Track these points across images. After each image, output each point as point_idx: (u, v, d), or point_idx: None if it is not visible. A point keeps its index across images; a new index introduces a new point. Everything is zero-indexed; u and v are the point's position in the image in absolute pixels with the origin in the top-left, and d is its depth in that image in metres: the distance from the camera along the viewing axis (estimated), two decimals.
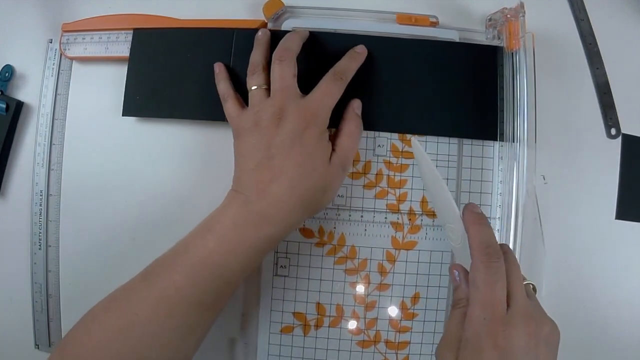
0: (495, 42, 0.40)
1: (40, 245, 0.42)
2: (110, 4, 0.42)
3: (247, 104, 0.36)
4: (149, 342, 0.32)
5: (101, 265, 0.41)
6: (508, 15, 0.38)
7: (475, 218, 0.33)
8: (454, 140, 0.40)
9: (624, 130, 0.41)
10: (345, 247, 0.40)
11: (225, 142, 0.38)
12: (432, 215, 0.39)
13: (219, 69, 0.39)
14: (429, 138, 0.40)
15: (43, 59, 0.43)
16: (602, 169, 0.41)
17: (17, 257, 0.42)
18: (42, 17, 0.44)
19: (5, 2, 0.44)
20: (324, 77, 0.36)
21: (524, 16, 0.37)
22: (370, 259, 0.39)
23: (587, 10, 0.41)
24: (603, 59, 0.41)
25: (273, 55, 0.35)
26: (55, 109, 0.43)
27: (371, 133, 0.40)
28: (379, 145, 0.40)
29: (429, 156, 0.39)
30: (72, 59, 0.42)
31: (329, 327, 0.39)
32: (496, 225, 0.39)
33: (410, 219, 0.39)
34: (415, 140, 0.36)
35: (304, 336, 0.39)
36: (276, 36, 0.37)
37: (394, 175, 0.40)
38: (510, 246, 0.37)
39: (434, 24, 0.40)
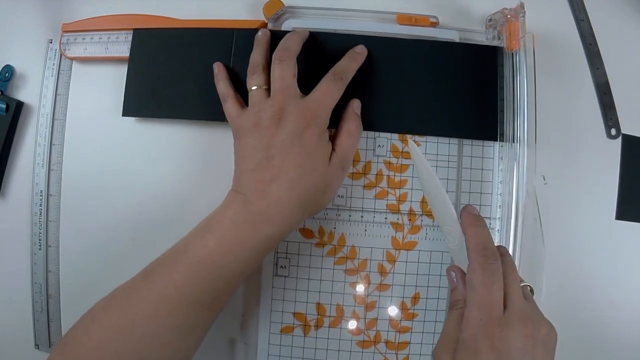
0: (495, 43, 0.40)
1: (40, 245, 0.42)
2: (110, 4, 0.42)
3: (247, 104, 0.36)
4: (149, 341, 0.32)
5: (101, 265, 0.41)
6: (508, 16, 0.38)
7: (472, 220, 0.33)
8: (454, 140, 0.40)
9: (624, 131, 0.41)
10: (345, 247, 0.40)
11: (225, 142, 0.38)
12: (432, 215, 0.39)
13: (218, 69, 0.39)
14: (429, 138, 0.40)
15: (43, 59, 0.43)
16: (602, 169, 0.41)
17: (17, 257, 0.43)
18: (42, 17, 0.44)
19: (5, 2, 0.44)
20: (324, 78, 0.36)
21: (524, 16, 0.37)
22: (370, 259, 0.39)
23: (587, 10, 0.41)
24: (603, 59, 0.41)
25: (273, 56, 0.35)
26: (55, 109, 0.43)
27: (371, 133, 0.40)
28: (379, 146, 0.40)
29: (428, 157, 0.39)
30: (72, 59, 0.42)
31: (329, 327, 0.39)
32: (496, 225, 0.39)
33: (410, 220, 0.39)
34: (412, 143, 0.36)
35: (304, 336, 0.39)
36: (276, 36, 0.37)
37: (394, 176, 0.40)
38: (510, 246, 0.37)
39: (434, 24, 0.40)
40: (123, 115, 0.41)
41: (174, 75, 0.40)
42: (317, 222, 0.40)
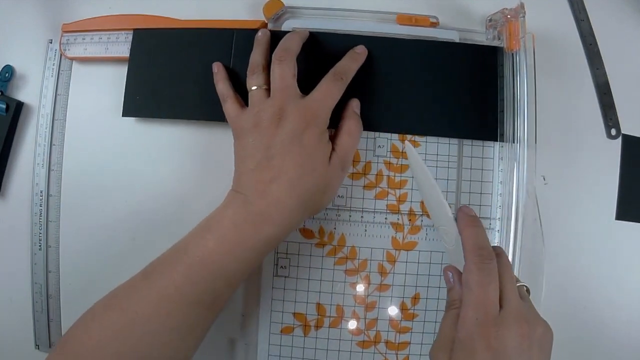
0: (495, 43, 0.40)
1: (40, 245, 0.42)
2: (110, 4, 0.42)
3: (247, 104, 0.36)
4: (149, 341, 0.32)
5: (101, 265, 0.41)
6: (508, 16, 0.38)
7: (468, 220, 0.33)
8: (454, 140, 0.40)
9: (624, 131, 0.41)
10: (345, 247, 0.40)
11: (225, 142, 0.38)
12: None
13: (217, 68, 0.39)
14: (429, 138, 0.40)
15: (43, 59, 0.43)
16: (602, 169, 0.41)
17: (17, 257, 0.42)
18: (42, 17, 0.44)
19: (5, 2, 0.44)
20: (324, 78, 0.36)
21: (524, 17, 0.37)
22: (371, 260, 0.39)
23: (587, 10, 0.41)
24: (603, 59, 0.41)
25: (273, 56, 0.35)
26: (55, 109, 0.43)
27: (371, 134, 0.40)
28: (379, 146, 0.40)
29: (428, 158, 0.39)
30: (72, 59, 0.42)
31: (329, 327, 0.39)
32: (496, 225, 0.39)
33: (410, 220, 0.39)
34: (408, 143, 0.36)
35: (304, 336, 0.39)
36: (276, 36, 0.37)
37: (394, 176, 0.40)
38: (510, 246, 0.37)
39: (434, 25, 0.40)
40: (123, 116, 0.41)
41: (174, 76, 0.40)
42: (317, 223, 0.40)
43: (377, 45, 0.39)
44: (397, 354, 0.39)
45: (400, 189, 0.40)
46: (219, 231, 0.33)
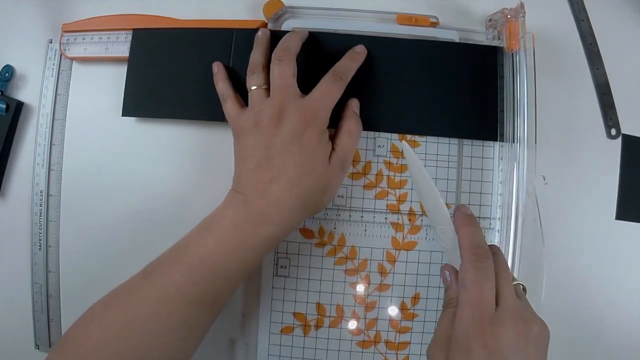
0: (495, 43, 0.40)
1: (40, 245, 0.42)
2: (110, 4, 0.42)
3: (247, 104, 0.36)
4: (149, 340, 0.32)
5: (101, 265, 0.41)
6: (508, 16, 0.38)
7: (465, 219, 0.33)
8: (454, 140, 0.40)
9: (624, 131, 0.41)
10: (345, 247, 0.40)
11: (225, 142, 0.38)
12: None
13: (217, 68, 0.39)
14: (429, 138, 0.40)
15: (43, 59, 0.43)
16: (602, 169, 0.41)
17: (17, 257, 0.42)
18: (42, 17, 0.44)
19: (5, 2, 0.44)
20: (324, 77, 0.36)
21: (524, 16, 0.37)
22: (371, 260, 0.39)
23: (587, 10, 0.41)
24: (603, 59, 0.41)
25: (272, 55, 0.35)
26: (55, 109, 0.43)
27: (371, 133, 0.40)
28: (379, 146, 0.40)
29: (428, 158, 0.39)
30: (72, 59, 0.42)
31: (329, 327, 0.39)
32: (496, 225, 0.39)
33: (410, 220, 0.39)
34: (405, 143, 0.36)
35: (304, 336, 0.39)
36: (276, 36, 0.37)
37: (394, 176, 0.40)
38: (510, 246, 0.37)
39: (434, 25, 0.40)
40: (123, 116, 0.41)
41: (173, 76, 0.40)
42: (317, 222, 0.40)
43: (377, 45, 0.39)
44: (397, 354, 0.39)
45: (400, 188, 0.40)
46: (219, 231, 0.33)
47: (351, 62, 0.37)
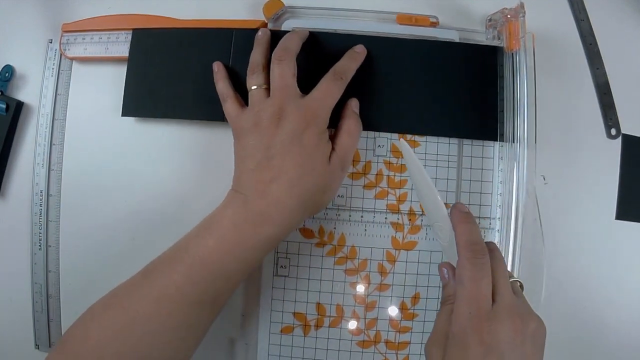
0: (495, 43, 0.40)
1: (40, 245, 0.42)
2: (110, 4, 0.42)
3: (247, 103, 0.36)
4: (149, 340, 0.32)
5: (101, 265, 0.41)
6: (508, 16, 0.38)
7: (462, 217, 0.33)
8: (454, 140, 0.40)
9: (624, 131, 0.41)
10: (345, 247, 0.40)
11: (224, 142, 0.38)
12: None
13: (217, 68, 0.39)
14: (429, 138, 0.40)
15: (43, 59, 0.43)
16: (602, 169, 0.41)
17: (17, 257, 0.42)
18: (42, 17, 0.44)
19: (5, 2, 0.44)
20: (324, 77, 0.36)
21: (524, 16, 0.37)
22: (371, 259, 0.39)
23: (587, 10, 0.41)
24: (603, 59, 0.41)
25: (272, 55, 0.35)
26: (55, 109, 0.43)
27: (371, 133, 0.40)
28: (379, 146, 0.40)
29: (428, 157, 0.39)
30: (72, 59, 0.42)
31: (329, 327, 0.39)
32: (496, 225, 0.39)
33: (410, 219, 0.39)
34: (403, 141, 0.36)
35: (304, 336, 0.39)
36: (276, 36, 0.37)
37: (394, 176, 0.40)
38: (510, 246, 0.37)
39: (434, 24, 0.40)
40: (122, 116, 0.41)
41: (173, 75, 0.40)
42: (317, 222, 0.40)
43: (377, 45, 0.39)
44: (397, 354, 0.39)
45: (400, 188, 0.40)
46: (218, 231, 0.33)
47: (351, 62, 0.37)
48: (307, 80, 0.35)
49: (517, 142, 0.37)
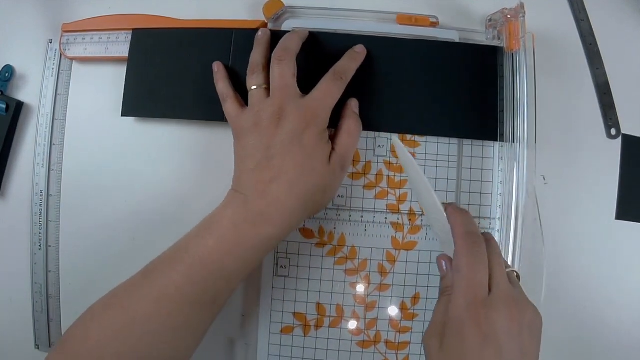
0: (495, 43, 0.40)
1: (40, 245, 0.42)
2: (110, 4, 0.42)
3: (247, 104, 0.36)
4: (149, 340, 0.32)
5: (101, 265, 0.41)
6: (508, 16, 0.38)
7: (457, 209, 0.33)
8: (454, 140, 0.40)
9: (624, 131, 0.41)
10: (345, 247, 0.40)
11: (224, 142, 0.38)
12: None
13: (217, 68, 0.39)
14: (429, 138, 0.40)
15: (43, 59, 0.43)
16: (602, 169, 0.41)
17: (17, 257, 0.42)
18: (42, 17, 0.44)
19: (5, 2, 0.44)
20: (324, 77, 0.36)
21: (524, 16, 0.37)
22: (371, 260, 0.39)
23: (587, 10, 0.41)
24: (603, 59, 0.41)
25: (272, 55, 0.35)
26: (55, 109, 0.43)
27: (371, 133, 0.40)
28: (379, 146, 0.40)
29: (427, 158, 0.39)
30: (72, 59, 0.42)
31: (329, 327, 0.39)
32: (496, 225, 0.39)
33: (410, 220, 0.39)
34: (396, 138, 0.35)
35: (304, 336, 0.39)
36: (276, 36, 0.37)
37: (394, 176, 0.40)
38: (510, 246, 0.37)
39: (434, 24, 0.40)
40: (122, 116, 0.41)
41: (173, 75, 0.40)
42: (317, 222, 0.40)
43: (377, 45, 0.39)
44: (397, 354, 0.39)
45: (400, 188, 0.40)
46: (218, 231, 0.33)
47: (351, 62, 0.37)
48: (307, 80, 0.35)
49: (517, 142, 0.37)
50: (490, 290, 0.30)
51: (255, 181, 0.33)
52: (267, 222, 0.33)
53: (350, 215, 0.40)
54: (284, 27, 0.40)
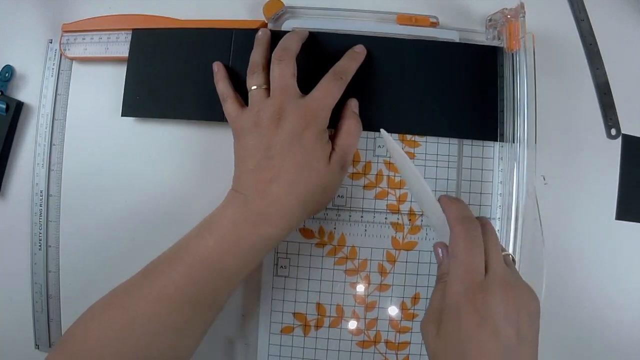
0: (495, 43, 0.40)
1: (40, 245, 0.42)
2: (110, 4, 0.42)
3: (247, 104, 0.36)
4: (148, 340, 0.32)
5: (101, 265, 0.41)
6: (508, 16, 0.38)
7: (451, 198, 0.33)
8: (454, 140, 0.40)
9: (624, 131, 0.41)
10: (345, 247, 0.40)
11: (224, 142, 0.38)
12: None
13: (217, 68, 0.39)
14: (429, 138, 0.40)
15: (43, 59, 0.43)
16: (602, 169, 0.41)
17: (17, 257, 0.42)
18: (42, 17, 0.44)
19: (5, 2, 0.44)
20: (324, 77, 0.36)
21: (524, 16, 0.37)
22: (371, 260, 0.39)
23: (587, 10, 0.41)
24: (603, 59, 0.41)
25: (272, 55, 0.35)
26: (55, 109, 0.43)
27: (371, 133, 0.40)
28: (379, 146, 0.40)
29: (428, 158, 0.39)
30: (72, 59, 0.42)
31: (329, 327, 0.39)
32: (496, 225, 0.39)
33: (410, 220, 0.39)
34: (384, 131, 0.35)
35: (304, 336, 0.39)
36: (276, 36, 0.37)
37: (394, 176, 0.40)
38: (510, 246, 0.37)
39: (434, 25, 0.40)
40: (122, 116, 0.41)
41: (173, 75, 0.40)
42: (317, 222, 0.40)
43: (377, 45, 0.39)
44: (397, 354, 0.39)
45: (400, 188, 0.40)
46: (218, 231, 0.33)
47: (351, 62, 0.37)
48: (307, 80, 0.35)
49: (517, 142, 0.37)
50: (486, 274, 0.30)
51: (255, 181, 0.33)
52: (267, 222, 0.33)
53: (350, 215, 0.40)
54: (284, 27, 0.40)
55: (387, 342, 0.39)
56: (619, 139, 0.41)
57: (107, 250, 0.42)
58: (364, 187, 0.40)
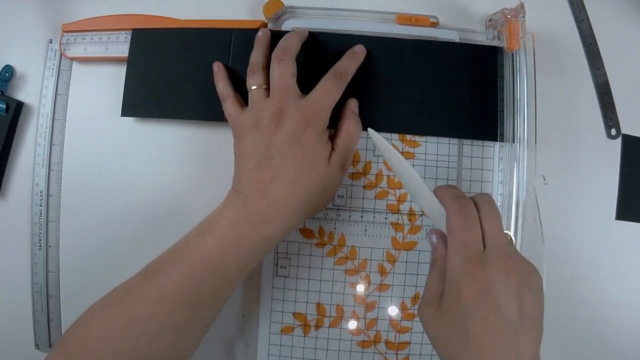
0: (495, 43, 0.40)
1: (40, 245, 0.42)
2: (110, 4, 0.42)
3: (247, 104, 0.36)
4: (148, 340, 0.32)
5: (101, 265, 0.41)
6: (508, 16, 0.38)
7: (444, 185, 0.34)
8: (454, 140, 0.40)
9: (624, 131, 0.41)
10: (345, 247, 0.40)
11: (225, 142, 0.38)
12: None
13: (217, 68, 0.39)
14: (429, 138, 0.40)
15: (43, 59, 0.43)
16: (602, 169, 0.41)
17: (17, 257, 0.43)
18: (42, 17, 0.44)
19: (5, 2, 0.44)
20: (323, 77, 0.36)
21: (524, 16, 0.37)
22: (371, 260, 0.39)
23: (587, 10, 0.41)
24: (603, 59, 0.41)
25: (272, 55, 0.35)
26: (55, 109, 0.43)
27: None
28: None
29: (428, 158, 0.39)
30: (72, 59, 0.42)
31: (329, 327, 0.39)
32: None
33: (410, 220, 0.39)
34: (371, 130, 0.35)
35: (304, 336, 0.39)
36: (276, 36, 0.37)
37: (394, 176, 0.40)
38: None
39: (434, 25, 0.40)
40: (122, 116, 0.41)
41: (172, 76, 0.40)
42: (317, 222, 0.40)
43: (377, 45, 0.39)
44: (397, 354, 0.39)
45: (400, 188, 0.40)
46: (218, 231, 0.33)
47: (351, 62, 0.37)
48: (307, 80, 0.35)
49: (517, 142, 0.37)
50: (486, 248, 0.30)
51: (255, 181, 0.33)
52: (267, 222, 0.33)
53: (350, 215, 0.40)
54: (284, 27, 0.40)
55: (387, 342, 0.39)
56: (619, 139, 0.41)
57: (107, 250, 0.42)
58: (364, 187, 0.40)
